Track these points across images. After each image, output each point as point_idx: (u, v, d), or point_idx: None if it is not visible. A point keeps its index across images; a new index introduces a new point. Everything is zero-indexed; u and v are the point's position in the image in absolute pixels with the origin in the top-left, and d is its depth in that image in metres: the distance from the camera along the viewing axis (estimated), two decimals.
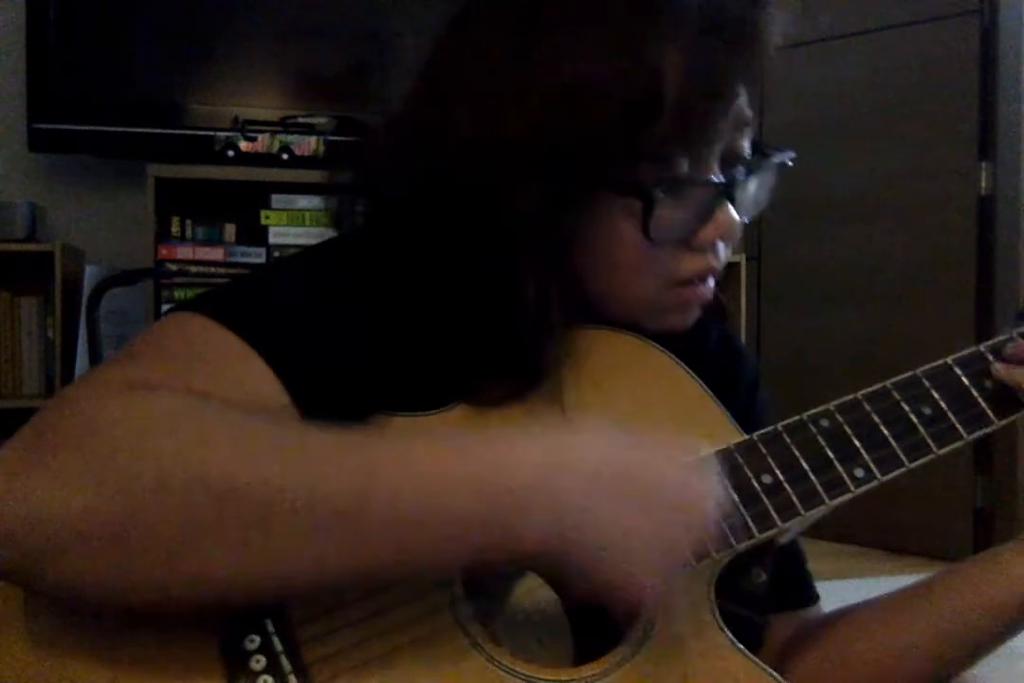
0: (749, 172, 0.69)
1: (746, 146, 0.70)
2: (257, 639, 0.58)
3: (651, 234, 0.66)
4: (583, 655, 0.65)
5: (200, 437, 0.53)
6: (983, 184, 3.05)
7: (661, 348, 0.70)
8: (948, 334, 3.03)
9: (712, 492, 0.59)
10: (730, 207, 0.68)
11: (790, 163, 0.72)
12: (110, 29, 2.65)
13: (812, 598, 0.83)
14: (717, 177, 0.68)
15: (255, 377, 0.60)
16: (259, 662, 0.57)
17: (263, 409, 0.58)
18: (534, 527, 0.55)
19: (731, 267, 2.84)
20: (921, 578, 0.76)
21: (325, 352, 0.62)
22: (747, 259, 2.85)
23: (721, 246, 0.70)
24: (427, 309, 0.66)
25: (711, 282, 0.71)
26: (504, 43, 0.66)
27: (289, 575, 0.54)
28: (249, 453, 0.53)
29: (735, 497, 0.64)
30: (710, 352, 0.82)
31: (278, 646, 0.58)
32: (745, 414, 0.70)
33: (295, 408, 0.60)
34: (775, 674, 0.63)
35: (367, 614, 0.60)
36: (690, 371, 0.69)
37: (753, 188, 0.71)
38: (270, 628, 0.58)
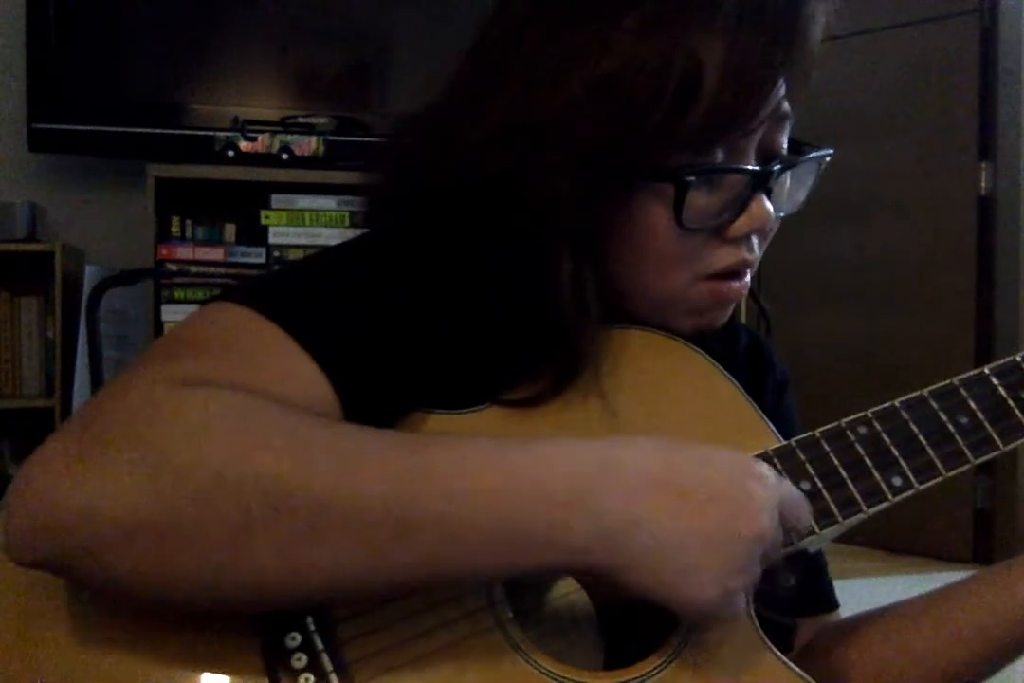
0: (785, 166, 0.68)
1: (784, 142, 0.69)
2: (298, 637, 0.58)
3: (683, 221, 0.64)
4: (612, 660, 0.65)
5: (256, 439, 0.53)
6: (983, 184, 3.05)
7: (696, 348, 0.69)
8: (948, 334, 3.03)
9: (765, 477, 0.58)
10: (765, 199, 0.67)
11: (828, 159, 0.71)
12: (110, 29, 2.65)
13: (832, 605, 0.83)
14: (753, 167, 0.67)
15: (300, 372, 0.59)
16: (300, 660, 0.57)
17: (309, 404, 0.58)
18: (579, 538, 0.54)
19: None
20: (946, 584, 0.76)
21: (368, 348, 0.62)
22: None
23: (755, 241, 0.69)
24: (466, 304, 0.66)
25: (745, 278, 0.70)
26: (541, 30, 0.66)
27: (339, 581, 0.54)
28: (305, 457, 0.53)
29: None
30: (740, 355, 0.82)
31: (319, 644, 0.58)
32: (772, 418, 0.70)
33: (338, 403, 0.59)
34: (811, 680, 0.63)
35: (408, 614, 0.60)
36: (726, 372, 0.69)
37: (790, 184, 0.70)
38: (311, 626, 0.58)
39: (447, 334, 0.65)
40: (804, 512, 0.61)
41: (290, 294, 0.64)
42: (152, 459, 0.51)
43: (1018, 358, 0.69)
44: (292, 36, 2.78)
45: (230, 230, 2.59)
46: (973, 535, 3.03)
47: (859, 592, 0.82)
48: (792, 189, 0.71)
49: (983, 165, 3.04)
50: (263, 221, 2.57)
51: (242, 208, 2.58)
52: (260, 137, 2.59)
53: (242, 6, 2.73)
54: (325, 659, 0.58)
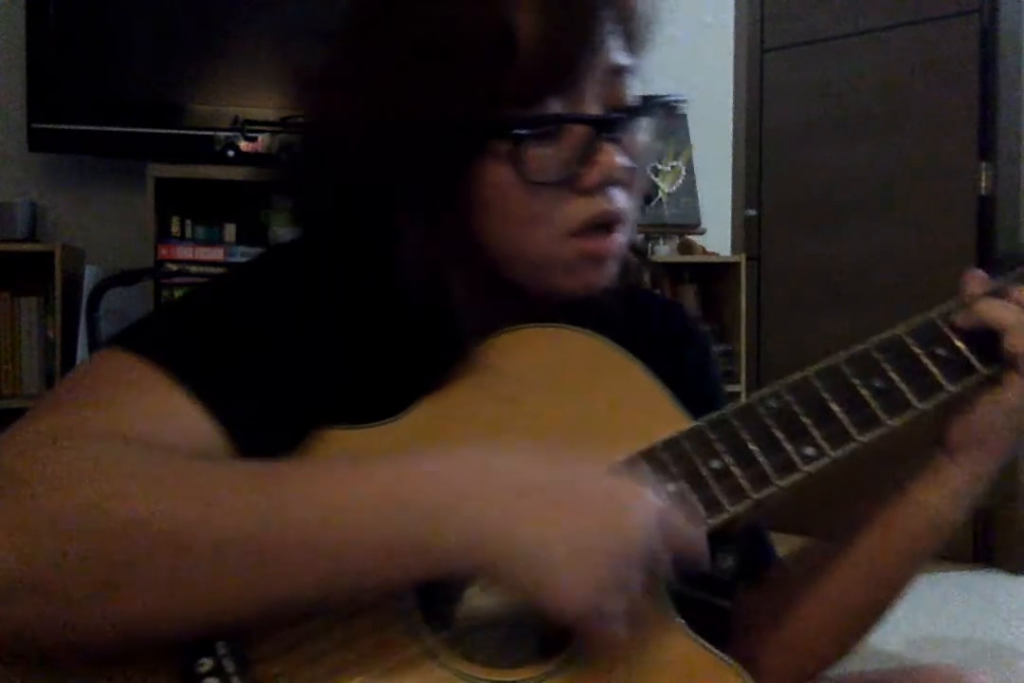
0: (625, 115, 0.68)
1: (629, 94, 0.68)
2: (208, 662, 0.59)
3: (527, 176, 0.65)
4: (549, 654, 0.65)
5: (118, 485, 0.54)
6: (983, 184, 3.05)
7: (610, 342, 0.69)
8: None
9: (644, 496, 0.59)
10: (612, 149, 0.66)
11: (681, 104, 0.71)
12: (110, 29, 2.65)
13: (769, 558, 0.82)
14: (585, 115, 0.66)
15: (179, 412, 0.61)
16: None
17: (192, 442, 0.59)
18: (452, 544, 0.56)
19: (731, 267, 2.84)
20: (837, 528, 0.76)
21: (249, 376, 0.63)
22: (747, 259, 2.85)
23: (616, 192, 0.68)
24: (356, 310, 0.67)
25: (616, 234, 0.69)
26: (369, 12, 0.70)
27: (215, 614, 0.56)
28: (165, 499, 0.54)
29: (686, 485, 0.63)
30: (655, 329, 0.82)
31: (229, 667, 0.59)
32: (697, 391, 0.70)
33: (224, 438, 0.61)
34: (727, 658, 0.63)
35: (321, 629, 0.60)
36: (639, 362, 0.69)
37: (641, 134, 0.70)
38: (221, 650, 0.59)
39: (331, 348, 0.66)
40: (682, 521, 0.61)
41: (168, 333, 0.65)
42: (19, 513, 0.53)
43: (933, 315, 0.68)
44: (292, 36, 2.78)
45: (230, 230, 2.59)
46: (973, 535, 3.03)
47: None
48: (645, 138, 0.70)
49: (983, 165, 3.04)
50: (263, 221, 2.57)
51: (242, 208, 2.58)
52: (260, 137, 2.59)
53: (242, 6, 2.73)
54: (236, 681, 0.59)
